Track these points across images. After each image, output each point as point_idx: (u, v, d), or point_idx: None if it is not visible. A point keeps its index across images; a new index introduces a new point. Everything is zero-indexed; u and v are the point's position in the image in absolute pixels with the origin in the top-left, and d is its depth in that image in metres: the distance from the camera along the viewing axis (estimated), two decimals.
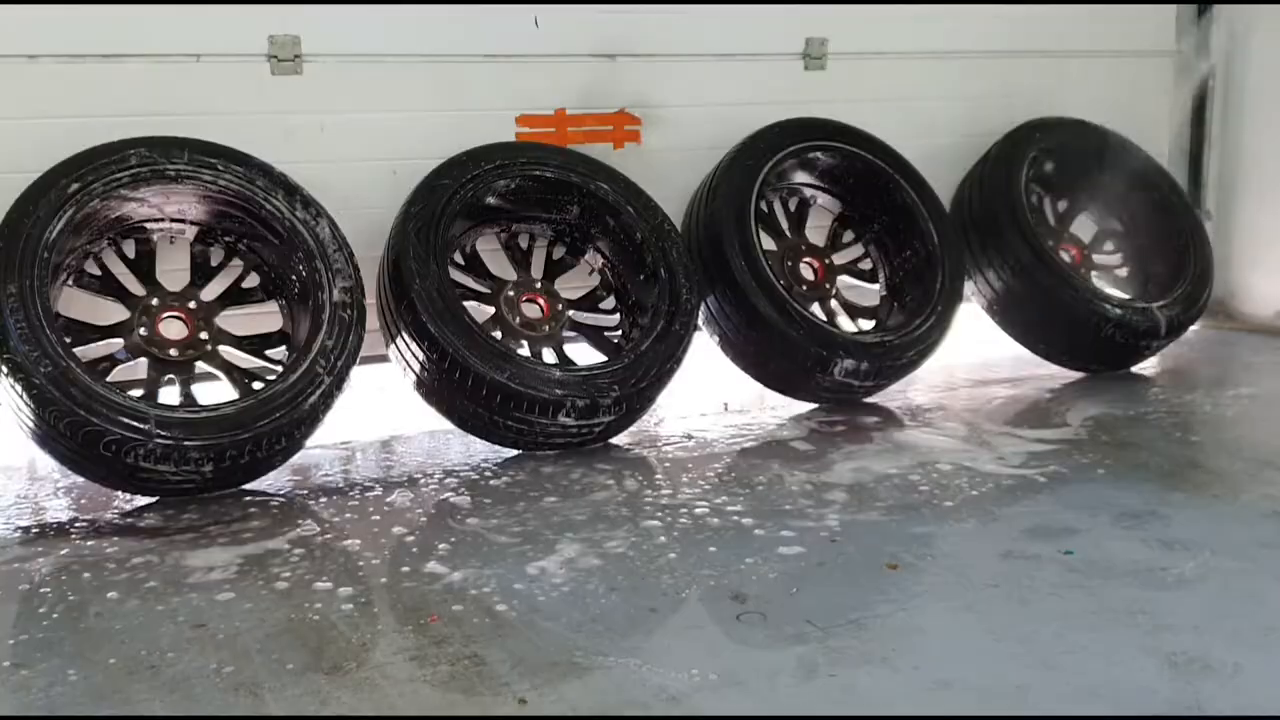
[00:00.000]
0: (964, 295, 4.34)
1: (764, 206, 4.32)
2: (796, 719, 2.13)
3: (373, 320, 3.58)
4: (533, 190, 3.91)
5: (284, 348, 3.60)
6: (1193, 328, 4.77)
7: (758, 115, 4.28)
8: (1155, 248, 4.81)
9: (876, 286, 4.44)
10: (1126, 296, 4.63)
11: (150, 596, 2.66)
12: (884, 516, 3.09)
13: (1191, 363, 4.79)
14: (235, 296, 3.65)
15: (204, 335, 3.50)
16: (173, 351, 3.45)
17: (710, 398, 4.23)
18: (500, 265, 3.98)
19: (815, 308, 4.20)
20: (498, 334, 3.76)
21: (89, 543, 2.99)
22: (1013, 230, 4.42)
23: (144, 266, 3.57)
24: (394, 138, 3.96)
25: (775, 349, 3.97)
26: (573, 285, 4.07)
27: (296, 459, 3.48)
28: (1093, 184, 4.84)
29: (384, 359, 3.72)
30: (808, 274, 4.32)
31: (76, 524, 3.13)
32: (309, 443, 3.43)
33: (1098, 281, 4.66)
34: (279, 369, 3.43)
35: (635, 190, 3.99)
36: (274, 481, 3.42)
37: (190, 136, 3.48)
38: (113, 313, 3.50)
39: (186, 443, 3.11)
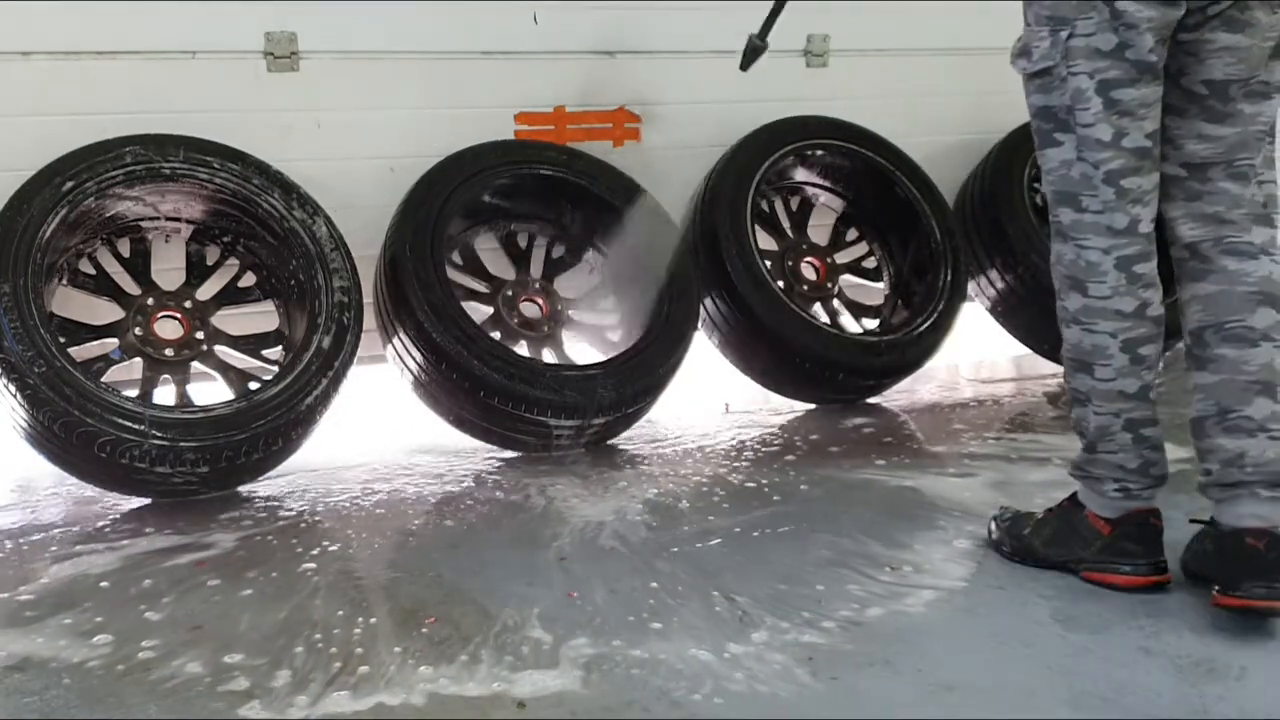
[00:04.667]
0: (968, 294, 4.32)
1: (765, 206, 4.29)
2: None
3: (370, 320, 3.55)
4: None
5: (280, 348, 3.58)
6: None
7: (759, 112, 4.25)
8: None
9: (880, 285, 4.41)
10: None
11: (149, 596, 2.64)
12: (881, 517, 3.07)
13: None
14: (231, 296, 3.62)
15: (200, 335, 3.48)
16: (168, 351, 3.42)
17: (710, 398, 4.20)
18: (499, 264, 3.96)
19: (817, 307, 4.18)
20: (496, 334, 3.74)
21: (84, 544, 2.96)
22: (1014, 229, 4.39)
23: (139, 265, 3.55)
24: (391, 135, 3.93)
25: (772, 350, 3.94)
26: (572, 285, 4.04)
27: (292, 459, 3.45)
28: None
29: (381, 359, 3.69)
30: (809, 274, 4.29)
31: (69, 525, 3.10)
32: (305, 443, 3.40)
33: None
34: (275, 369, 3.41)
35: (635, 188, 3.96)
36: (273, 482, 3.39)
37: (186, 134, 3.45)
38: (107, 312, 3.47)
39: (182, 444, 3.09)
